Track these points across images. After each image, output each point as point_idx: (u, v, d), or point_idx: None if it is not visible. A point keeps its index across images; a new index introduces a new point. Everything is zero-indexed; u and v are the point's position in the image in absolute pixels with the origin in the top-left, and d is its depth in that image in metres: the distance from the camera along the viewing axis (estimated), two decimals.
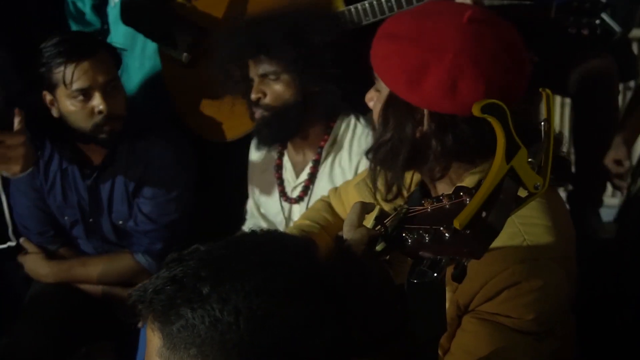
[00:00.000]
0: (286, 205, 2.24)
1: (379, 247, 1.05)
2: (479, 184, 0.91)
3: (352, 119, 2.15)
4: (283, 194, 2.24)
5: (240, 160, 2.40)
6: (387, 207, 1.49)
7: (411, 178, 1.51)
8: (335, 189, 1.92)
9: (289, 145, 2.23)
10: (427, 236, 0.95)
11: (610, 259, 2.08)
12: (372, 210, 1.21)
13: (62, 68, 2.07)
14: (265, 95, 2.08)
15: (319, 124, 2.15)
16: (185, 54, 2.43)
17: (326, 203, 1.92)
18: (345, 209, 1.80)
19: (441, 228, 0.92)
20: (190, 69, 2.49)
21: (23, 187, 2.32)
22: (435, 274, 0.94)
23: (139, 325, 0.94)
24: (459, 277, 0.95)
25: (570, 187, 2.65)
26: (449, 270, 0.98)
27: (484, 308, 1.27)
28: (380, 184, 1.42)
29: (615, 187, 2.60)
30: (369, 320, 0.96)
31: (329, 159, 2.16)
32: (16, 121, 1.95)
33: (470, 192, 0.93)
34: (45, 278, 2.36)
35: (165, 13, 2.44)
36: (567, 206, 2.52)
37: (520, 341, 1.25)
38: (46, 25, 2.51)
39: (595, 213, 2.59)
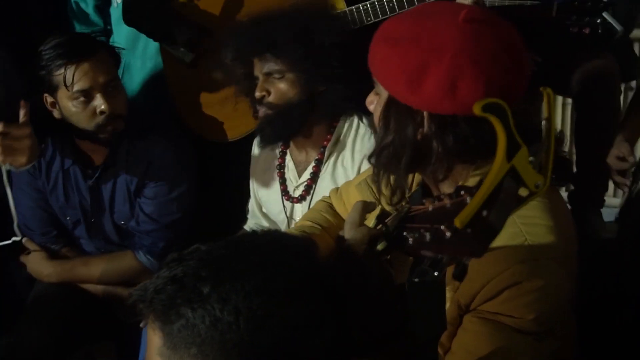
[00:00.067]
0: (288, 204, 2.24)
1: (380, 246, 1.06)
2: (479, 183, 0.91)
3: (355, 119, 2.14)
4: (285, 193, 2.24)
5: (242, 160, 2.40)
6: (388, 207, 1.49)
7: (412, 178, 1.51)
8: (337, 190, 1.93)
9: (292, 144, 2.23)
10: (428, 235, 0.95)
11: (611, 259, 2.08)
12: (373, 209, 1.22)
13: (62, 70, 2.07)
14: (269, 93, 2.08)
15: (322, 123, 2.15)
16: (188, 53, 2.43)
17: (327, 204, 1.92)
18: (347, 209, 1.80)
19: (442, 227, 0.92)
20: (191, 68, 2.49)
21: (25, 188, 2.32)
22: (436, 273, 0.94)
23: (142, 325, 0.95)
24: (459, 275, 0.95)
25: (571, 187, 2.65)
26: (450, 270, 0.98)
27: (485, 307, 1.27)
28: (384, 188, 1.42)
29: (617, 185, 2.60)
30: (369, 320, 0.97)
31: (332, 159, 2.16)
32: (21, 113, 1.99)
33: (471, 191, 0.93)
34: (47, 278, 2.36)
35: (166, 13, 2.44)
36: (569, 206, 2.53)
37: (520, 341, 1.25)
38: (48, 26, 2.51)
39: (597, 213, 2.59)
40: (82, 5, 2.68)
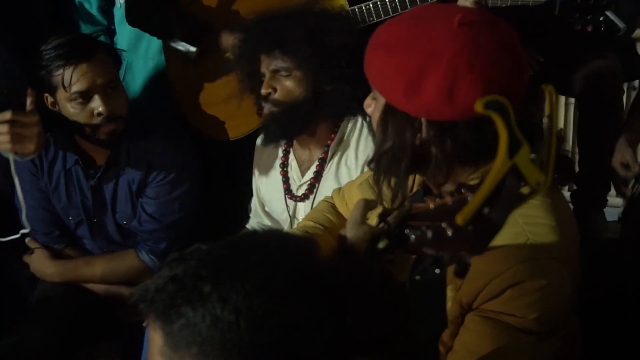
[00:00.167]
0: (291, 203, 2.24)
1: (381, 245, 1.05)
2: (481, 181, 0.91)
3: (360, 119, 2.14)
4: (288, 191, 2.24)
5: (245, 159, 2.40)
6: (390, 205, 1.49)
7: (413, 179, 1.51)
8: (339, 190, 1.92)
9: (295, 143, 2.23)
10: (430, 233, 0.95)
11: (613, 258, 2.08)
12: (375, 207, 1.22)
13: (60, 71, 2.07)
14: (275, 90, 2.08)
15: (327, 122, 2.15)
16: (192, 48, 2.43)
17: (329, 204, 1.92)
18: (349, 209, 1.80)
19: (443, 224, 0.92)
20: (195, 67, 2.50)
21: (28, 188, 2.32)
22: (437, 271, 0.94)
23: (145, 324, 0.95)
24: (461, 273, 0.95)
25: (574, 186, 2.64)
26: (451, 269, 0.98)
27: (487, 307, 1.27)
28: (385, 189, 1.42)
29: (619, 191, 2.60)
30: (369, 320, 0.96)
31: (336, 158, 2.15)
32: (28, 101, 2.00)
33: (473, 188, 0.93)
34: (51, 277, 2.37)
35: (169, 10, 2.44)
36: (571, 206, 2.53)
37: (522, 340, 1.25)
38: (52, 26, 2.51)
39: (600, 213, 2.59)
40: (86, 5, 2.69)
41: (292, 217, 2.24)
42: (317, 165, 2.17)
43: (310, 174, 2.19)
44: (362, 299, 0.97)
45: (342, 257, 1.08)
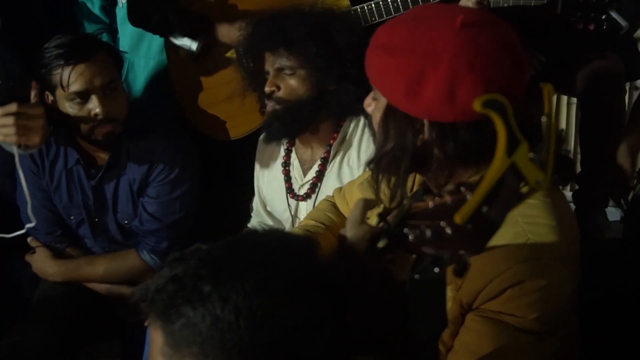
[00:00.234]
0: (293, 202, 2.23)
1: (381, 244, 1.05)
2: (480, 180, 0.91)
3: (362, 119, 2.14)
4: (290, 191, 2.24)
5: (245, 159, 2.40)
6: (390, 205, 1.48)
7: (413, 179, 1.51)
8: (340, 189, 1.92)
9: (298, 142, 2.23)
10: (429, 232, 0.95)
11: (614, 258, 2.08)
12: (374, 207, 1.22)
13: (59, 70, 2.07)
14: (279, 88, 2.08)
15: (329, 121, 2.15)
16: (195, 42, 2.43)
17: (331, 203, 1.92)
18: (349, 208, 1.80)
19: (441, 224, 0.92)
20: (196, 66, 2.50)
21: (30, 187, 2.32)
22: (436, 270, 0.94)
23: (146, 324, 0.95)
24: (460, 272, 0.95)
25: (576, 186, 2.64)
26: (451, 269, 0.98)
27: (487, 306, 1.27)
28: (384, 188, 1.42)
29: (615, 200, 2.60)
30: (369, 320, 0.96)
31: (338, 158, 2.15)
32: (33, 93, 2.02)
33: (472, 187, 0.93)
34: (52, 277, 2.37)
35: (170, 7, 2.44)
36: (573, 205, 2.53)
37: (522, 340, 1.25)
38: (53, 26, 2.51)
39: (601, 212, 2.59)
40: (89, 5, 2.70)
41: (294, 217, 2.24)
42: (319, 165, 2.17)
43: (312, 173, 2.19)
44: (362, 298, 0.97)
45: (342, 257, 1.08)
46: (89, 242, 2.42)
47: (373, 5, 2.18)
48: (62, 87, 2.08)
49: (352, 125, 2.15)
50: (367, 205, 1.19)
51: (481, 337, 1.26)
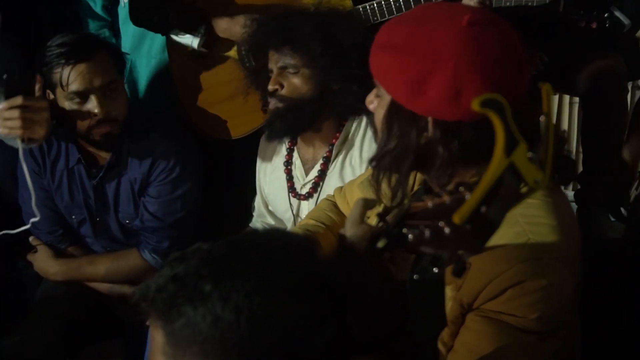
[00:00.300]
0: (295, 201, 2.23)
1: (380, 244, 1.05)
2: (479, 180, 0.91)
3: (364, 118, 2.14)
4: (292, 190, 2.23)
5: (246, 158, 2.40)
6: (390, 204, 1.48)
7: (414, 179, 1.51)
8: (341, 189, 1.92)
9: (300, 141, 2.23)
10: (428, 232, 0.95)
11: (616, 258, 2.08)
12: (374, 206, 1.21)
13: (60, 69, 2.07)
14: (282, 87, 2.07)
15: (332, 121, 2.14)
16: (196, 38, 2.43)
17: (331, 202, 1.92)
18: (350, 208, 1.80)
19: (440, 223, 0.92)
20: (197, 66, 2.50)
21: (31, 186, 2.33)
22: (435, 270, 0.94)
23: (147, 323, 0.95)
24: (458, 272, 0.95)
25: (578, 186, 2.64)
26: (451, 270, 0.98)
27: (488, 306, 1.27)
28: (385, 187, 1.42)
29: (611, 209, 2.60)
30: (369, 319, 0.96)
31: (340, 157, 2.15)
32: (37, 87, 2.04)
33: (471, 187, 0.93)
34: (54, 276, 2.37)
35: (172, 6, 2.44)
36: (575, 205, 2.53)
37: (523, 340, 1.25)
38: (55, 25, 2.52)
39: (603, 212, 2.58)
40: (91, 4, 2.71)
41: (296, 216, 2.23)
42: (321, 164, 2.17)
43: (314, 173, 2.18)
44: (362, 298, 0.97)
45: (342, 257, 1.08)
46: (91, 242, 2.42)
47: (375, 4, 2.18)
48: (62, 86, 2.08)
49: (354, 125, 2.15)
50: (367, 205, 1.19)
51: (481, 337, 1.26)
